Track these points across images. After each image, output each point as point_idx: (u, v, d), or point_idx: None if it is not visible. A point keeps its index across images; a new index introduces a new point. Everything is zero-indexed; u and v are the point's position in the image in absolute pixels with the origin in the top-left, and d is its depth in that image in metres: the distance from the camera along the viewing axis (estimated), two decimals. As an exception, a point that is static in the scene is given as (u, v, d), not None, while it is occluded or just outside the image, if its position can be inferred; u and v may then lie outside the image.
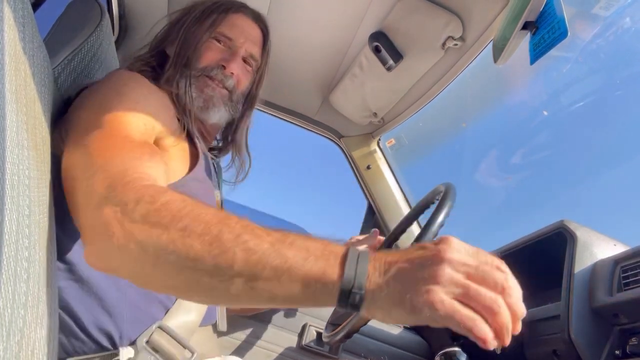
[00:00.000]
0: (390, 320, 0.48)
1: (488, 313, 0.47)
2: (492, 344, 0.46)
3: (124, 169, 0.59)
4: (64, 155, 0.67)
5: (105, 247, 0.54)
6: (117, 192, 0.56)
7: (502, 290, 0.48)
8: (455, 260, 0.47)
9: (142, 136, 0.71)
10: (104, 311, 0.72)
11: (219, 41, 0.97)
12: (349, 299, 0.47)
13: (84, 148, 0.64)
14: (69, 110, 0.76)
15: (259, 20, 1.06)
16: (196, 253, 0.50)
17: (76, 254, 0.71)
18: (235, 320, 1.51)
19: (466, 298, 0.46)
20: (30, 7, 0.58)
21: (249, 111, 1.09)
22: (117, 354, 0.70)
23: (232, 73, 0.96)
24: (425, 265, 0.47)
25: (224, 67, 0.95)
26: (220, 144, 1.13)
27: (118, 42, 1.33)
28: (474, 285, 0.47)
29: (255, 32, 1.04)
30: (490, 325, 0.46)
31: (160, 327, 0.74)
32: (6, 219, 0.42)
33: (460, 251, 0.49)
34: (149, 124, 0.75)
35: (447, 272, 0.46)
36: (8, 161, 0.45)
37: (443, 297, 0.45)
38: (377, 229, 1.46)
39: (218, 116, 0.97)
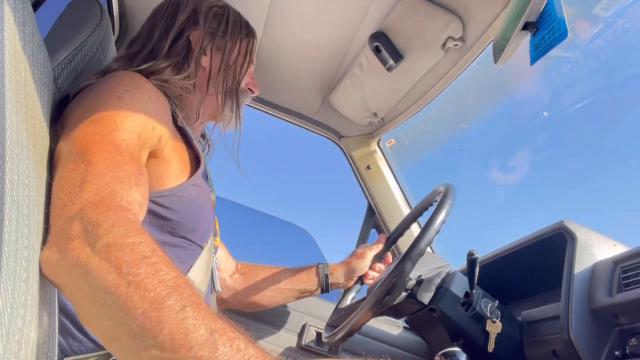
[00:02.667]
0: None
1: None
2: None
3: (113, 190, 0.57)
4: (56, 148, 0.66)
5: (58, 258, 0.51)
6: (98, 211, 0.53)
7: None
8: None
9: (134, 149, 0.69)
10: None
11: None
12: None
13: (76, 147, 0.62)
14: (67, 109, 0.75)
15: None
16: (130, 307, 0.46)
17: None
18: (235, 320, 1.50)
19: None
20: (30, 6, 0.58)
21: None
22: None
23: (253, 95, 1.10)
24: None
25: (251, 91, 1.08)
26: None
27: (118, 42, 1.33)
28: None
29: None
30: None
31: None
32: (6, 218, 0.42)
33: None
34: (146, 134, 0.73)
35: None
36: (8, 161, 0.45)
37: None
38: (384, 234, 1.46)
39: (234, 127, 1.08)
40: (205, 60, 0.99)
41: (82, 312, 0.51)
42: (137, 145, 0.70)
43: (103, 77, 0.80)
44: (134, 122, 0.71)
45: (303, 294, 1.32)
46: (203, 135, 1.13)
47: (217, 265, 1.08)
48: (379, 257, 1.34)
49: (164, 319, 0.46)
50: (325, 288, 1.30)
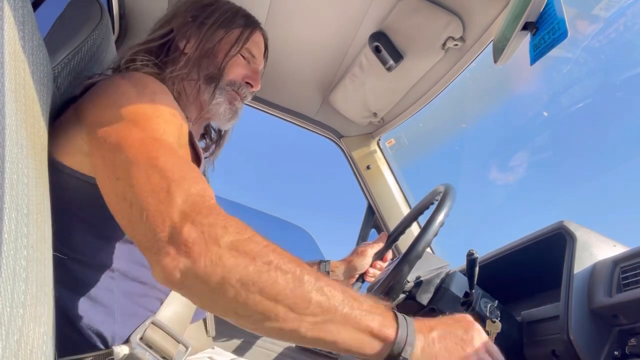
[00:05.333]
0: None
1: None
2: None
3: (198, 192, 0.59)
4: (94, 156, 0.66)
5: (188, 265, 0.53)
6: (202, 214, 0.56)
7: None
8: (481, 333, 0.64)
9: (180, 147, 0.71)
10: (97, 310, 0.72)
11: (243, 56, 1.02)
12: (401, 354, 0.56)
13: (140, 155, 0.62)
14: (80, 108, 0.74)
15: (266, 39, 1.11)
16: (279, 288, 0.53)
17: (66, 254, 0.71)
18: (235, 320, 1.50)
19: None
20: (30, 5, 0.58)
21: None
22: (111, 353, 0.70)
23: (254, 91, 1.05)
24: (461, 331, 0.62)
25: (250, 85, 1.02)
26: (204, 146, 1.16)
27: (118, 42, 1.33)
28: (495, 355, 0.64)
29: (264, 49, 1.10)
30: None
31: (153, 323, 0.74)
32: (5, 217, 0.42)
33: (479, 328, 0.64)
34: (181, 134, 0.74)
35: (477, 339, 0.62)
36: (7, 160, 0.45)
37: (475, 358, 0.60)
38: (385, 232, 1.46)
39: (231, 124, 1.06)
40: (182, 43, 0.97)
41: (224, 309, 0.55)
42: (179, 143, 0.72)
43: (118, 77, 0.79)
44: (173, 125, 0.72)
45: None
46: (205, 134, 1.13)
47: None
48: (380, 255, 1.34)
49: (309, 292, 0.54)
50: None
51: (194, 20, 0.99)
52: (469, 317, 0.65)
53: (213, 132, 1.15)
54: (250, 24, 1.03)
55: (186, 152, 0.74)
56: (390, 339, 0.56)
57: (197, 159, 0.89)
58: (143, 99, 0.72)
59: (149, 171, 0.60)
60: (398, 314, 0.59)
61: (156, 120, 0.69)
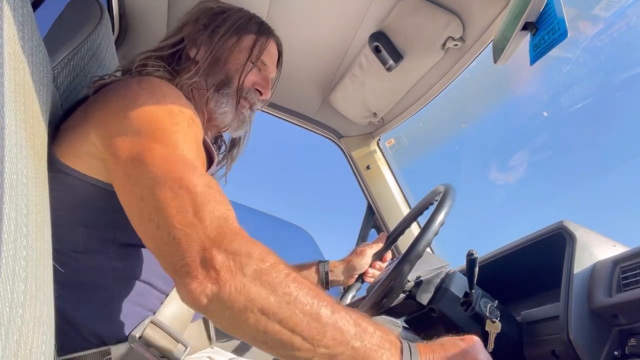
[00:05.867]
0: None
1: None
2: None
3: (222, 214, 0.60)
4: (113, 170, 0.67)
5: (215, 290, 0.56)
6: (227, 239, 0.58)
7: None
8: (484, 357, 0.63)
9: (199, 160, 0.71)
10: (96, 310, 0.72)
11: (253, 63, 1.01)
12: None
13: (162, 174, 0.62)
14: (92, 110, 0.73)
15: (281, 46, 1.10)
16: (297, 320, 0.56)
17: (65, 254, 0.71)
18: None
19: None
20: (30, 5, 0.58)
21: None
22: (109, 352, 0.70)
23: (264, 99, 1.03)
24: (460, 358, 0.62)
25: (259, 92, 1.01)
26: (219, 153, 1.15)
27: (118, 42, 1.33)
28: None
29: (277, 58, 1.09)
30: None
31: (152, 322, 0.74)
32: (5, 217, 0.42)
33: (483, 351, 0.64)
34: (198, 147, 0.74)
35: None
36: (7, 160, 0.45)
37: None
38: (385, 232, 1.46)
39: (241, 132, 1.05)
40: (193, 52, 0.96)
41: (244, 334, 0.58)
42: (197, 154, 0.72)
43: (133, 82, 0.77)
44: (191, 136, 0.72)
45: None
46: (215, 143, 1.12)
47: None
48: (379, 256, 1.34)
49: (325, 326, 0.57)
50: (325, 284, 1.30)
51: (205, 28, 0.98)
52: (473, 339, 0.66)
53: (224, 146, 1.14)
54: (263, 31, 1.02)
55: (203, 161, 0.75)
56: None
57: (209, 161, 0.88)
58: (162, 110, 0.71)
59: (174, 192, 0.60)
60: (404, 344, 0.61)
61: (176, 135, 0.69)
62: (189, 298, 0.57)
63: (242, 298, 0.55)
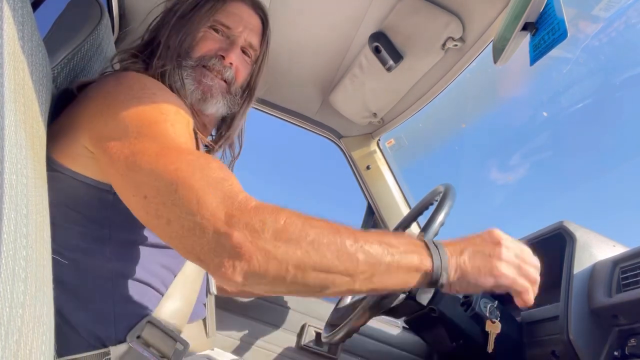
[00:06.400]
0: (463, 290, 0.68)
1: (532, 284, 0.70)
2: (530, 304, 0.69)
3: (229, 185, 0.61)
4: (108, 173, 0.67)
5: (243, 268, 0.56)
6: (237, 215, 0.58)
7: (536, 268, 0.71)
8: (509, 244, 0.69)
9: (192, 142, 0.70)
10: (95, 310, 0.72)
11: (216, 30, 0.93)
12: (439, 280, 0.65)
13: (158, 168, 0.61)
14: (76, 113, 0.73)
15: (257, 8, 1.02)
16: (329, 261, 0.59)
17: (62, 255, 0.71)
18: (235, 320, 1.50)
19: (519, 272, 0.69)
20: (29, 5, 0.57)
21: (247, 104, 1.04)
22: (108, 352, 0.70)
23: (230, 64, 0.93)
24: (489, 248, 0.68)
25: (222, 57, 0.91)
26: (213, 139, 1.08)
27: (118, 42, 1.33)
28: (523, 264, 0.69)
29: (254, 20, 1.00)
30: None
31: (150, 322, 0.74)
32: (4, 218, 0.42)
33: (507, 239, 0.70)
34: (188, 129, 0.73)
35: (505, 252, 0.68)
36: (7, 160, 0.45)
37: (506, 270, 0.67)
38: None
39: (215, 108, 0.93)
40: (160, 35, 0.93)
41: (288, 291, 0.62)
42: (189, 137, 0.72)
43: (112, 80, 0.76)
44: (179, 122, 0.71)
45: None
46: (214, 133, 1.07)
47: None
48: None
49: (354, 254, 0.60)
50: None
51: (169, 12, 0.96)
52: (495, 232, 0.70)
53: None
54: None
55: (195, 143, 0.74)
56: (429, 270, 0.64)
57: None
58: (144, 103, 0.70)
59: (174, 185, 0.60)
60: (429, 244, 0.66)
61: (163, 124, 0.68)
62: (225, 283, 0.59)
63: (272, 264, 0.57)
